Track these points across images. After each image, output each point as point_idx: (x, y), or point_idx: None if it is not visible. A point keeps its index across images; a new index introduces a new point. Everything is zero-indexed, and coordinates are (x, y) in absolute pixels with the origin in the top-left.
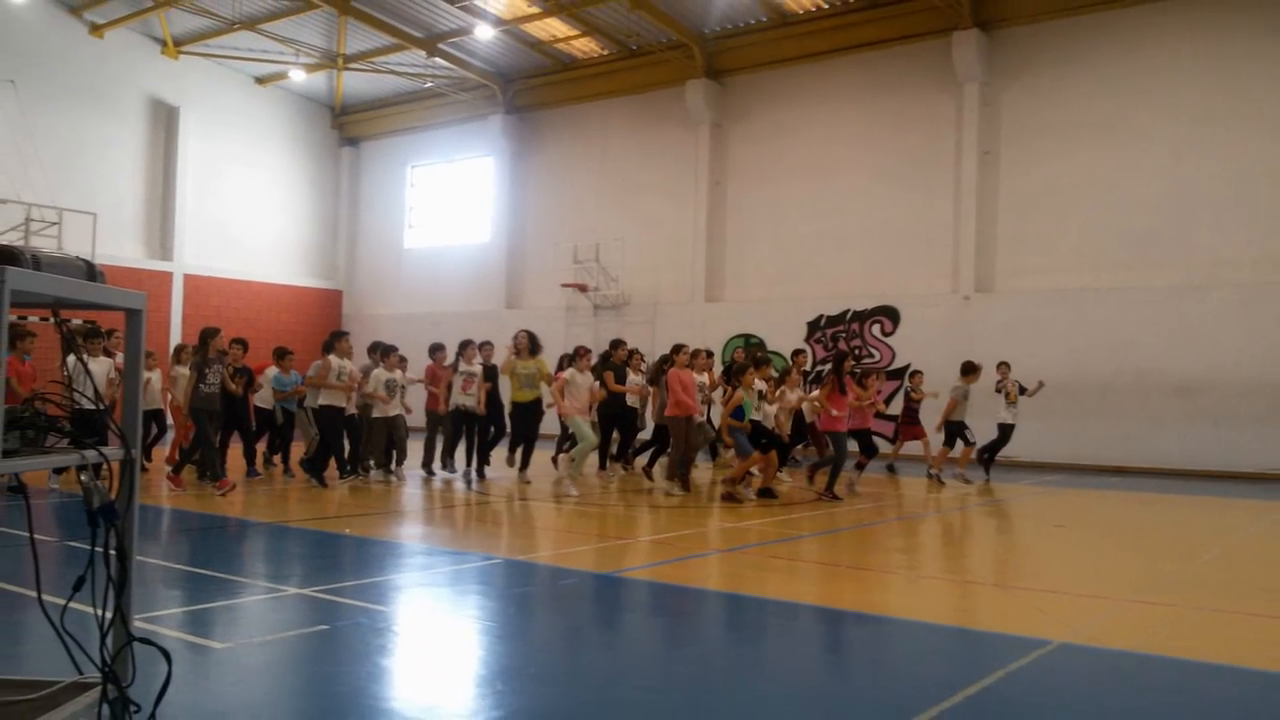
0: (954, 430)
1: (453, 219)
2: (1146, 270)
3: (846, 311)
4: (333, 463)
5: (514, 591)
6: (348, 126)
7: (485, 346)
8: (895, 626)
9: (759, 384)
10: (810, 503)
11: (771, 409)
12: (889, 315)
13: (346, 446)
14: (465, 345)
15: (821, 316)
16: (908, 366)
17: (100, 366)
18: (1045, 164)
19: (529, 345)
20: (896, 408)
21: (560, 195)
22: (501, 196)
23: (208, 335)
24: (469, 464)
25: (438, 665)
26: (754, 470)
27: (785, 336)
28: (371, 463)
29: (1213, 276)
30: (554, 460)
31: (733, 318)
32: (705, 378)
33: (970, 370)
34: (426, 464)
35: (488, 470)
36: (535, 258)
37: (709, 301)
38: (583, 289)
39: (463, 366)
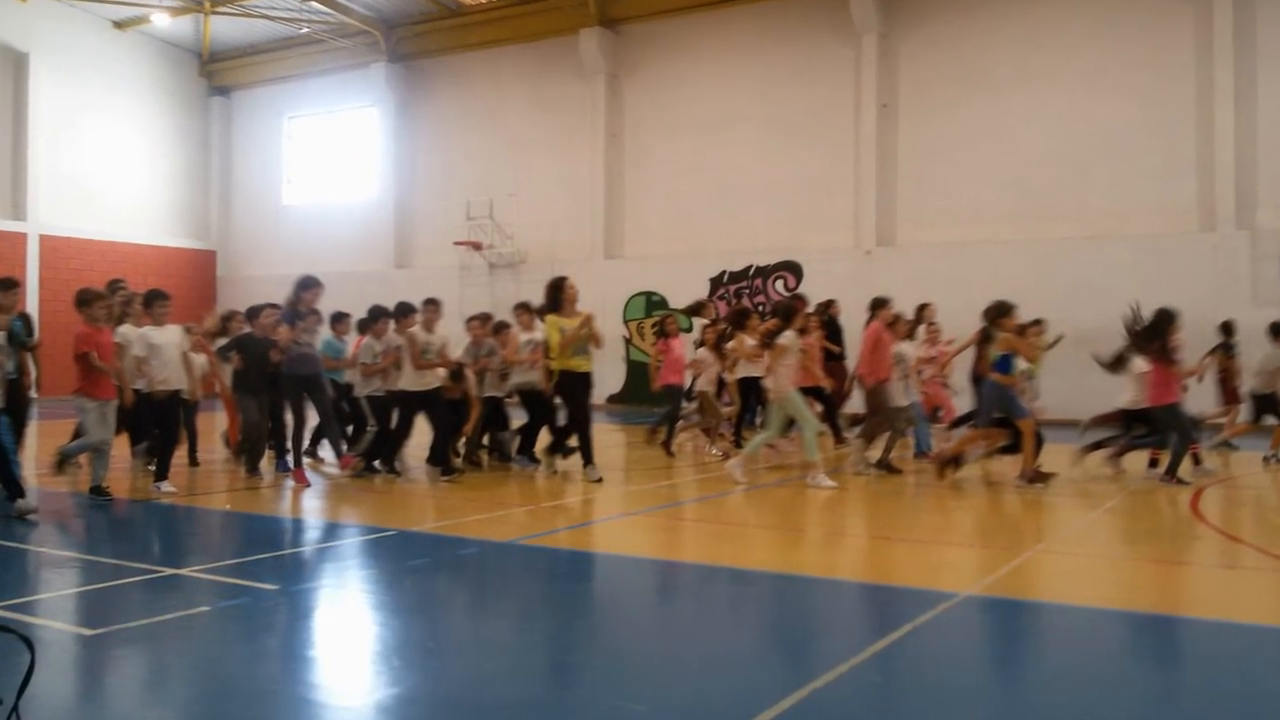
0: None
1: (335, 174)
2: (1043, 223)
3: (749, 267)
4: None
5: (411, 564)
6: (218, 74)
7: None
8: (805, 585)
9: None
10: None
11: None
12: (792, 270)
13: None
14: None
15: (724, 272)
16: None
17: None
18: (943, 117)
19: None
20: None
21: (451, 149)
22: (387, 150)
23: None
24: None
25: (330, 643)
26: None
27: (688, 293)
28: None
29: (1108, 229)
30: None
31: (634, 274)
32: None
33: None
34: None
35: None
36: (426, 215)
37: (609, 258)
38: (477, 247)
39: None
